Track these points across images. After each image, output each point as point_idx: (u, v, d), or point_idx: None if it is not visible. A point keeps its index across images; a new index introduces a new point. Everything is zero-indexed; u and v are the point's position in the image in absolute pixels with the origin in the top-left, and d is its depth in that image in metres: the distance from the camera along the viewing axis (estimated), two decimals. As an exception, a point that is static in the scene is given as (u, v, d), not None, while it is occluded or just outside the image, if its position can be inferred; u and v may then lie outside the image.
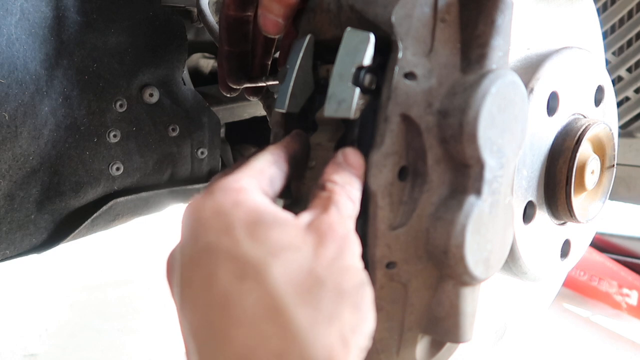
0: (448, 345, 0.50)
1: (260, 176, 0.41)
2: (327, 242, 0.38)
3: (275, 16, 0.51)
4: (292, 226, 0.38)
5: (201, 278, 0.36)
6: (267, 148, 0.45)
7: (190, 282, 0.37)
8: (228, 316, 0.35)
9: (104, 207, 0.72)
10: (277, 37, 0.54)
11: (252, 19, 0.61)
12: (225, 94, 0.66)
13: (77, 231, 0.71)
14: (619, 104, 1.38)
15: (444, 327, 0.47)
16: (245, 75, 0.63)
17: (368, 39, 0.43)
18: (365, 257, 0.44)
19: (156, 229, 2.40)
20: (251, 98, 0.66)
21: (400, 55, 0.43)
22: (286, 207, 0.49)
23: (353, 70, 0.43)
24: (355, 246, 0.40)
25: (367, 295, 0.39)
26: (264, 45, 0.63)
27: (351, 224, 0.41)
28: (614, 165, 0.68)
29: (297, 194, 0.49)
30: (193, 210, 0.39)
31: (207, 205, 0.38)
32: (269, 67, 0.65)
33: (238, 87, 0.64)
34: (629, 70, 1.37)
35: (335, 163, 0.44)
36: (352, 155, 0.44)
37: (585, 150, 0.63)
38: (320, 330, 0.35)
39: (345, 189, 0.42)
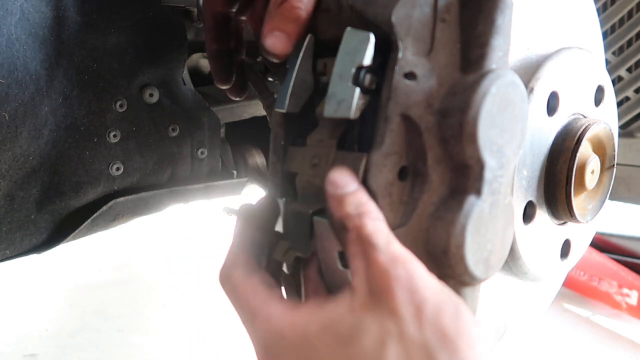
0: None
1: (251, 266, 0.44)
2: (403, 312, 0.36)
3: (287, 35, 0.47)
4: (367, 328, 0.36)
5: None
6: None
7: None
8: None
9: (104, 207, 0.72)
10: (281, 60, 0.50)
11: (235, 15, 0.59)
12: (232, 97, 0.65)
13: (77, 231, 0.71)
14: (619, 104, 1.38)
15: (444, 327, 0.47)
16: (233, 73, 0.62)
17: (368, 39, 0.43)
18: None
19: (156, 229, 2.40)
20: (234, 97, 0.65)
21: (400, 55, 0.43)
22: (291, 203, 0.49)
23: (353, 70, 0.43)
24: (426, 283, 0.38)
25: (477, 335, 0.37)
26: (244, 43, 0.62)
27: (397, 247, 0.39)
28: (614, 165, 0.68)
29: (302, 191, 0.48)
30: (268, 345, 0.40)
31: (265, 335, 0.40)
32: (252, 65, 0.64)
33: (229, 87, 0.64)
34: (629, 70, 1.37)
35: (332, 196, 0.42)
36: (338, 176, 0.42)
37: (585, 150, 0.63)
38: None
39: (362, 214, 0.40)
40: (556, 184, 0.62)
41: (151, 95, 0.71)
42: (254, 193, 0.94)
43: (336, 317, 0.37)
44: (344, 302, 0.38)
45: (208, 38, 0.59)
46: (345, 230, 0.41)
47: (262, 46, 0.48)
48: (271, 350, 0.39)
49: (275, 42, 0.48)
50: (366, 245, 0.39)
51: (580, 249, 0.71)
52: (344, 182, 0.42)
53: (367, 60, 0.43)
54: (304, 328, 0.38)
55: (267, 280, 0.43)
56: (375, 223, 0.40)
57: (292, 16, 0.47)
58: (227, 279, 0.44)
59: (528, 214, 0.61)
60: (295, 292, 0.50)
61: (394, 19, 0.43)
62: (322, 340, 0.37)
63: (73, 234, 0.71)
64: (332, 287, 0.47)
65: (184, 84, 0.76)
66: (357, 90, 0.43)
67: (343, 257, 0.44)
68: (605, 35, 1.35)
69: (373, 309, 0.37)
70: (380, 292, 0.37)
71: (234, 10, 0.59)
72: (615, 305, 1.74)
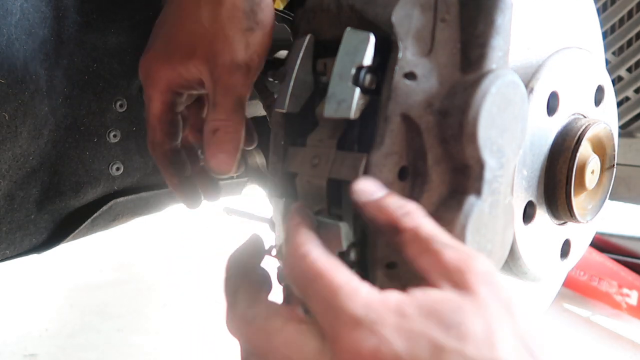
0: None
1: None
2: (495, 307, 0.35)
3: (228, 156, 0.52)
4: (470, 314, 0.34)
5: None
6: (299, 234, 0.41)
7: None
8: None
9: (104, 207, 0.72)
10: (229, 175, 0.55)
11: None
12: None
13: (77, 231, 0.71)
14: (619, 104, 1.38)
15: (444, 327, 0.47)
16: (200, 194, 0.64)
17: (368, 39, 0.43)
18: (365, 256, 0.44)
19: (156, 229, 2.40)
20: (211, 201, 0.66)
21: (400, 55, 0.43)
22: (291, 203, 0.48)
23: (353, 70, 0.43)
24: (500, 279, 0.37)
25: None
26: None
27: (461, 244, 0.39)
28: (614, 165, 0.68)
29: (302, 191, 0.48)
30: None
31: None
32: None
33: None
34: (629, 70, 1.37)
35: (367, 203, 0.41)
36: (363, 185, 0.41)
37: (585, 150, 0.63)
38: None
39: (411, 214, 0.39)
40: (556, 184, 0.62)
41: (151, 95, 0.71)
42: (254, 193, 0.94)
43: (433, 301, 0.35)
44: (431, 291, 0.36)
45: (167, 176, 0.61)
46: (396, 232, 0.39)
47: (208, 168, 0.53)
48: (367, 325, 0.34)
49: (219, 163, 0.52)
50: (431, 242, 0.38)
51: (580, 249, 0.71)
52: (373, 188, 0.42)
53: (367, 60, 0.43)
54: (401, 307, 0.34)
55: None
56: (429, 220, 0.40)
57: (226, 140, 0.52)
58: (301, 260, 0.39)
59: (528, 214, 0.61)
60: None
61: (394, 19, 0.43)
62: (425, 321, 0.34)
63: (73, 234, 0.71)
64: None
65: (184, 84, 0.75)
66: (357, 90, 0.43)
67: (343, 257, 0.44)
68: (605, 35, 1.35)
69: (464, 299, 0.35)
70: (464, 287, 0.36)
71: (178, 140, 0.60)
72: (615, 305, 1.74)
